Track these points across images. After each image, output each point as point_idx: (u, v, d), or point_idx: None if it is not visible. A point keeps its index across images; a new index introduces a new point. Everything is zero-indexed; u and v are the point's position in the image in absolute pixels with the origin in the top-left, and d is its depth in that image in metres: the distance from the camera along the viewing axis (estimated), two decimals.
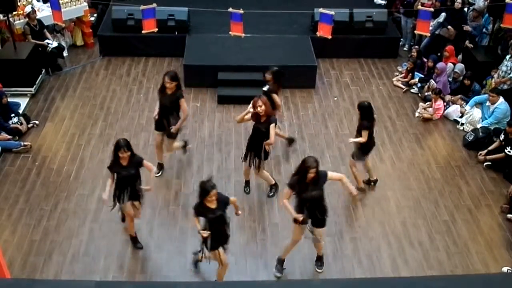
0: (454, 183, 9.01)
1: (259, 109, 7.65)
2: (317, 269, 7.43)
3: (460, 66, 11.15)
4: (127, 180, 7.04)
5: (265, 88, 8.71)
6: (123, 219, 7.84)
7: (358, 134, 8.24)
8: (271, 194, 8.54)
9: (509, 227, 8.18)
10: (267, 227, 8.07)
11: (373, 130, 8.33)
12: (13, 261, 7.32)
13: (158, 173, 8.72)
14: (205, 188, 6.30)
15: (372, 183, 8.82)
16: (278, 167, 9.13)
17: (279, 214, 8.26)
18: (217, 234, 6.60)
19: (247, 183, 8.64)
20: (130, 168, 6.99)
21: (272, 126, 7.76)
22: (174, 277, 7.23)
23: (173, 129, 8.24)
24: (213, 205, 6.41)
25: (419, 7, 10.49)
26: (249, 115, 7.90)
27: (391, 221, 8.24)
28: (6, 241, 7.65)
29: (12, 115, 9.80)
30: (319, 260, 7.44)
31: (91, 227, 7.97)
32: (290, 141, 9.56)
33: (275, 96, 8.66)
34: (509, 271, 7.44)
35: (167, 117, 8.23)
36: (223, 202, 6.51)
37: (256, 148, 8.02)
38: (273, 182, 8.53)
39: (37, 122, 10.06)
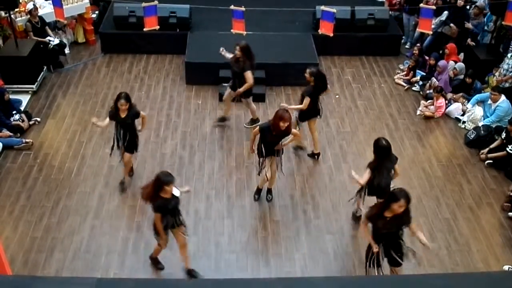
0: (455, 181, 9.01)
1: (284, 124, 7.42)
2: None
3: (460, 65, 11.11)
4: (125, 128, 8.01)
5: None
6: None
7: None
8: (270, 198, 8.46)
9: (511, 226, 8.18)
10: (268, 224, 8.07)
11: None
12: (14, 258, 7.33)
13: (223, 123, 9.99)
14: (395, 194, 6.13)
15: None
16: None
17: (280, 211, 8.27)
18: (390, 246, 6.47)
19: (259, 191, 8.46)
20: (127, 119, 7.91)
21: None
22: (176, 274, 7.23)
23: (240, 90, 9.33)
24: (390, 214, 6.21)
25: (421, 5, 10.45)
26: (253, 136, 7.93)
27: None
28: (7, 238, 7.66)
29: (14, 112, 9.80)
30: None
31: (92, 224, 7.98)
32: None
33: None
34: (510, 269, 7.43)
35: (240, 80, 9.30)
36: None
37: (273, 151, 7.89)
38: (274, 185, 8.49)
39: (38, 119, 10.06)
